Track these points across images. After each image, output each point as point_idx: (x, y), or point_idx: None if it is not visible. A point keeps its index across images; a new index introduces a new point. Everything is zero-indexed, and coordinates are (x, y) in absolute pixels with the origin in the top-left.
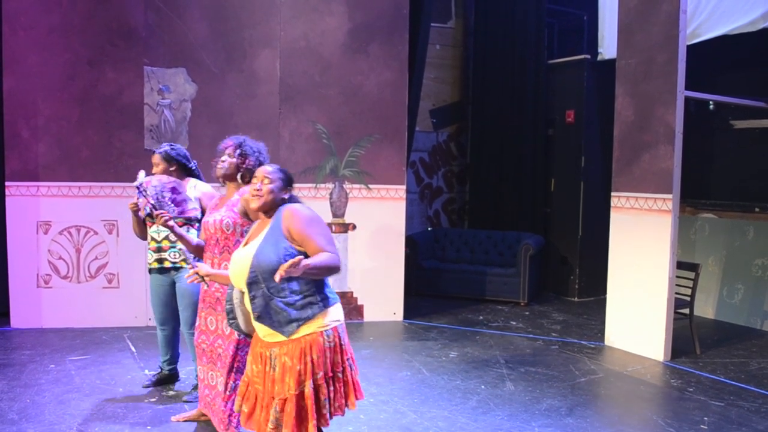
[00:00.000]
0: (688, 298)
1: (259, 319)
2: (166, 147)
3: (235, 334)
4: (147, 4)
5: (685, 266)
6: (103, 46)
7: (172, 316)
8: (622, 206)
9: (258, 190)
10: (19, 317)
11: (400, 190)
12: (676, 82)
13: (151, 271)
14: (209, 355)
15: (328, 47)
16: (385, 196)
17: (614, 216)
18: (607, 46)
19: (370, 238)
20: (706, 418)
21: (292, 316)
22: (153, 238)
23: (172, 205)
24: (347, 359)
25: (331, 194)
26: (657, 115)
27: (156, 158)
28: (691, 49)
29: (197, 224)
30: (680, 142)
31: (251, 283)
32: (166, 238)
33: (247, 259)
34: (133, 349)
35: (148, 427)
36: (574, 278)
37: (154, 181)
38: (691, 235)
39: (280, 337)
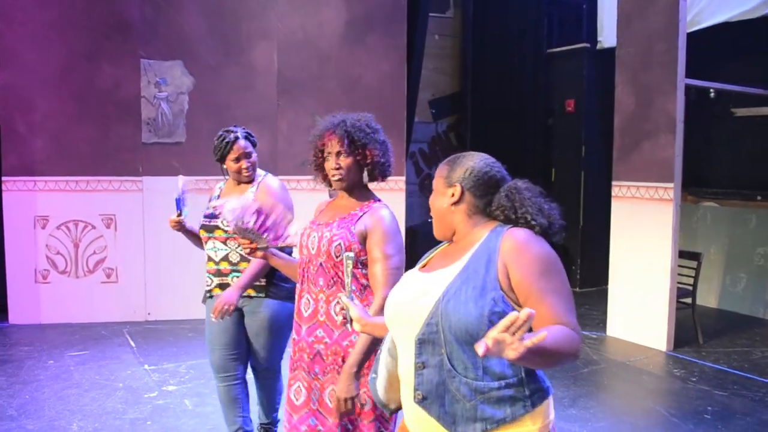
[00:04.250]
0: (691, 288)
1: (423, 402)
2: (240, 131)
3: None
4: None
5: (687, 255)
6: (99, 39)
7: (238, 354)
8: (623, 195)
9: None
10: (17, 313)
11: (399, 182)
12: (676, 71)
13: (207, 298)
14: None
15: (326, 39)
16: (384, 187)
17: (615, 205)
18: (607, 35)
19: None
20: (709, 408)
21: (479, 413)
22: (210, 258)
23: (258, 231)
24: None
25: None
26: (657, 103)
27: (242, 147)
28: (691, 36)
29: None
30: (681, 131)
31: (424, 342)
32: (225, 258)
33: (425, 300)
34: (132, 344)
35: (148, 423)
36: (576, 268)
37: (227, 210)
38: (692, 223)
39: None
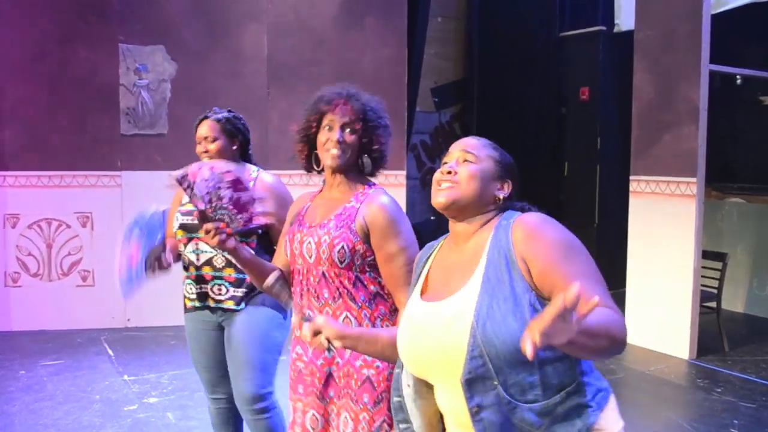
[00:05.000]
0: (715, 291)
1: None
2: (224, 113)
3: None
4: None
5: (711, 256)
6: (74, 21)
7: (225, 375)
8: (642, 191)
9: (450, 173)
10: None
11: (399, 176)
12: (700, 55)
13: (187, 310)
14: None
15: (319, 21)
16: (383, 182)
17: (633, 202)
18: (625, 17)
19: None
20: (735, 421)
21: None
22: (191, 262)
23: (232, 211)
24: None
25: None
26: (679, 91)
27: (206, 129)
28: (716, 18)
29: (254, 239)
30: (705, 121)
31: (473, 381)
32: (209, 263)
33: (455, 334)
34: (110, 352)
35: None
36: None
37: (204, 171)
38: (717, 221)
39: None
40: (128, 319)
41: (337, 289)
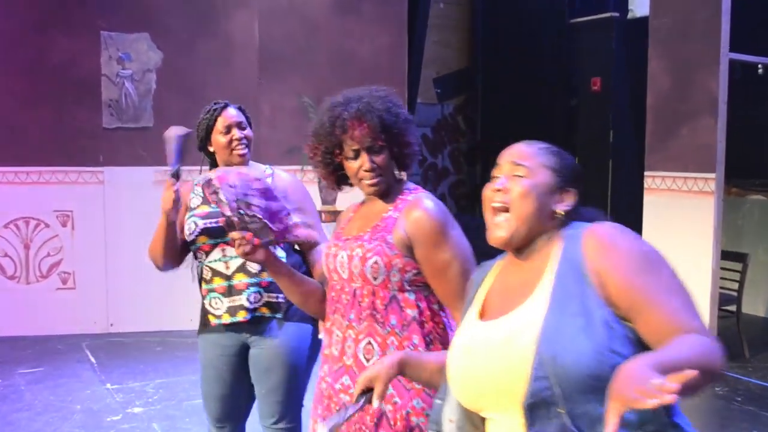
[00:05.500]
0: (735, 294)
1: None
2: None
3: None
4: None
5: (731, 256)
6: (53, 7)
7: (237, 406)
8: (657, 188)
9: (500, 190)
10: None
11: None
12: (719, 43)
13: (204, 329)
14: None
15: (314, 6)
16: None
17: (648, 199)
18: (639, 3)
19: None
20: None
21: None
22: (217, 273)
23: (263, 221)
24: None
25: (319, 178)
26: (697, 81)
27: (237, 113)
28: (736, 4)
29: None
30: (724, 113)
31: (535, 406)
32: (242, 269)
33: (516, 353)
34: (92, 359)
35: None
36: None
37: (231, 176)
38: (738, 220)
39: None
40: (111, 324)
41: (365, 310)
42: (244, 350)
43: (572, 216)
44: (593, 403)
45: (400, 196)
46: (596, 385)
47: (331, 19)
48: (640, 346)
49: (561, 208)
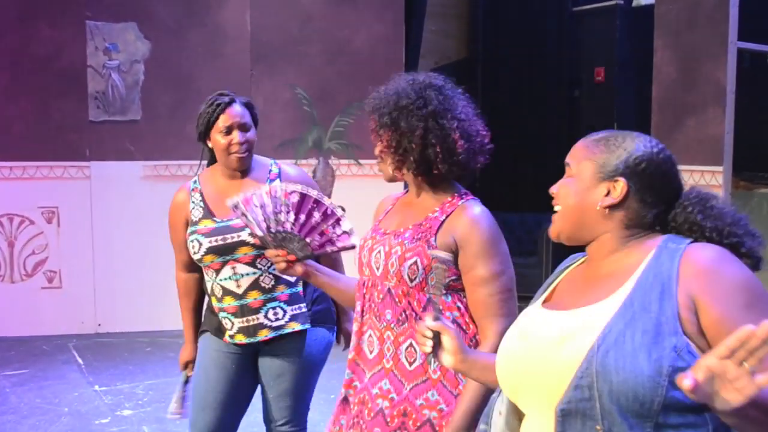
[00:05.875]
0: None
1: None
2: (240, 98)
3: None
4: None
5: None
6: None
7: (233, 420)
8: None
9: (553, 194)
10: None
11: None
12: (727, 31)
13: (211, 330)
14: None
15: None
16: (378, 173)
17: None
18: None
19: (362, 223)
20: None
21: None
22: (228, 292)
23: (297, 235)
24: None
25: (314, 172)
26: (704, 71)
27: (242, 112)
28: None
29: None
30: (732, 104)
31: (570, 414)
32: (256, 286)
33: (569, 352)
34: (80, 360)
35: None
36: None
37: (256, 197)
38: (746, 214)
39: None
40: (99, 324)
41: (404, 311)
42: (255, 351)
43: (645, 217)
44: (635, 428)
45: (450, 199)
46: (641, 412)
47: (325, 8)
48: None
49: (604, 203)
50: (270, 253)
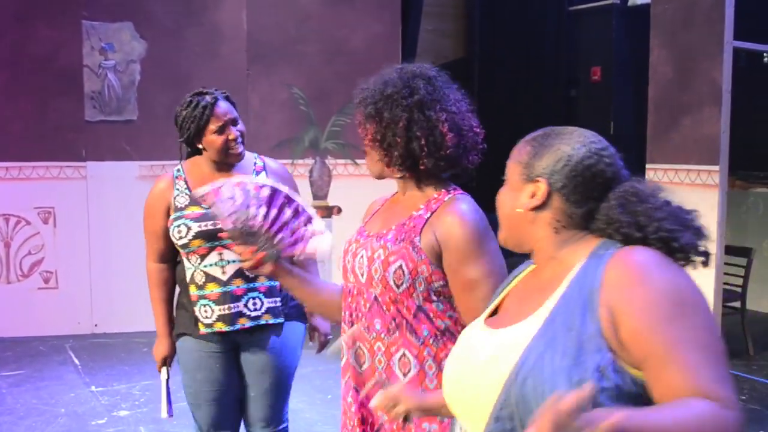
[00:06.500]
0: (739, 290)
1: None
2: (219, 92)
3: None
4: None
5: (735, 251)
6: None
7: (234, 409)
8: (660, 180)
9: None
10: None
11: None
12: (723, 31)
13: (187, 333)
14: None
15: None
16: (364, 175)
17: None
18: None
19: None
20: None
21: None
22: (211, 278)
23: (268, 233)
24: None
25: (311, 172)
26: (700, 70)
27: (230, 109)
28: None
29: None
30: (728, 103)
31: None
32: (240, 274)
33: (491, 377)
34: (76, 361)
35: None
36: None
37: (226, 189)
38: (742, 214)
39: None
40: (95, 325)
41: (393, 319)
42: (235, 349)
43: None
44: None
45: (436, 195)
46: None
47: (322, 8)
48: (636, 400)
49: (528, 205)
50: (238, 248)
